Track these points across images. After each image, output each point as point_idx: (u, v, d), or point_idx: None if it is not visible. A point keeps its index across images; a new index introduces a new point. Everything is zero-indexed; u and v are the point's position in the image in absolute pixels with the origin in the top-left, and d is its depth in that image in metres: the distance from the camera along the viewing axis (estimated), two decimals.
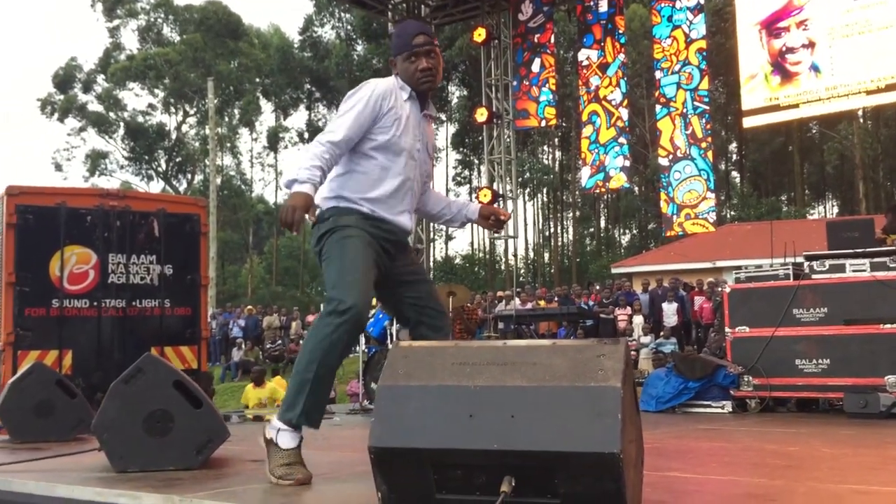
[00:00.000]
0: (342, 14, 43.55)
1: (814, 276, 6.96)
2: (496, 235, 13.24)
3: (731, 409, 7.10)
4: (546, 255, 46.04)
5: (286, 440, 2.87)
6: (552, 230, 46.24)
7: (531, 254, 46.74)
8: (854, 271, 6.81)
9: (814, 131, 40.15)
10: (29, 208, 8.17)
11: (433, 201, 3.46)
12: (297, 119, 49.46)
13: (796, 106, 8.87)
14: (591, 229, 46.23)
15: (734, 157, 45.44)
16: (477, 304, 14.76)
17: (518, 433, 2.11)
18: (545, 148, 45.14)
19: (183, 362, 8.64)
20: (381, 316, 9.12)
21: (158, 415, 3.31)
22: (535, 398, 2.15)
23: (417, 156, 3.19)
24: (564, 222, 46.74)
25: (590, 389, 2.12)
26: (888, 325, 6.42)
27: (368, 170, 3.10)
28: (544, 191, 45.73)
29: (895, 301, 6.41)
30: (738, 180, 44.71)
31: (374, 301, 10.00)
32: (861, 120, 35.74)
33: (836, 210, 44.14)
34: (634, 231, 44.96)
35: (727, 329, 7.33)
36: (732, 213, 37.88)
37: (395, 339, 8.56)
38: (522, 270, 42.52)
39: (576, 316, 13.53)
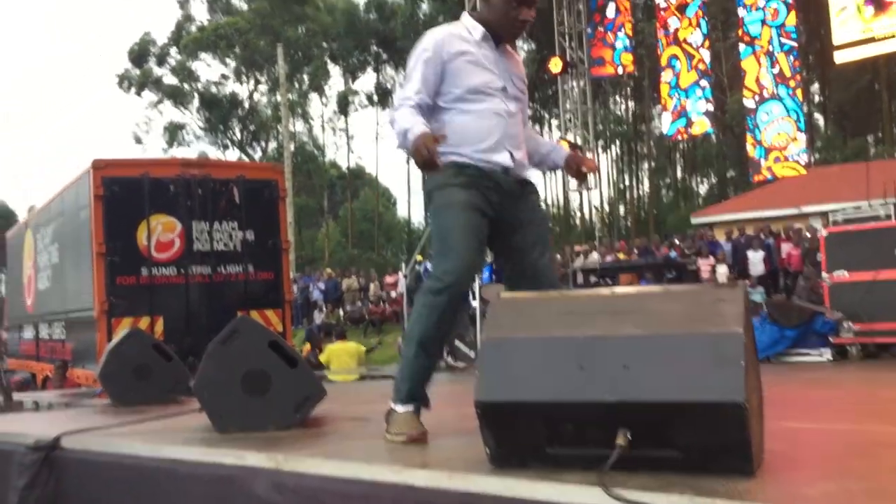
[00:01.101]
0: None
1: None
2: (572, 188, 12.98)
3: (830, 357, 6.85)
4: (622, 209, 45.28)
5: (401, 407, 2.90)
6: (627, 183, 45.39)
7: (606, 207, 46.04)
8: None
9: None
10: (114, 180, 8.34)
11: (529, 142, 3.24)
12: (366, 82, 49.51)
13: (893, 36, 8.34)
14: (668, 180, 45.16)
15: (816, 98, 43.58)
16: (557, 259, 14.62)
17: (633, 384, 2.01)
18: (617, 98, 44.13)
19: (268, 325, 8.74)
20: None
21: (256, 374, 3.31)
22: (649, 347, 2.03)
23: (504, 95, 3.02)
24: (639, 174, 45.81)
25: (709, 336, 2.00)
26: None
27: (456, 121, 2.97)
28: (617, 142, 44.81)
29: None
30: (821, 122, 42.90)
31: None
32: None
33: None
34: (713, 180, 43.74)
35: (824, 274, 7.04)
36: (817, 155, 36.42)
37: (477, 295, 8.51)
38: (598, 224, 41.98)
39: (661, 267, 13.25)
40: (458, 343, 8.75)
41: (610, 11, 10.65)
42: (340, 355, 10.67)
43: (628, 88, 42.15)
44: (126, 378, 4.91)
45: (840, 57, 8.85)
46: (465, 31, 3.02)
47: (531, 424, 2.12)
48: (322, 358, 10.94)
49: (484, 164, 2.95)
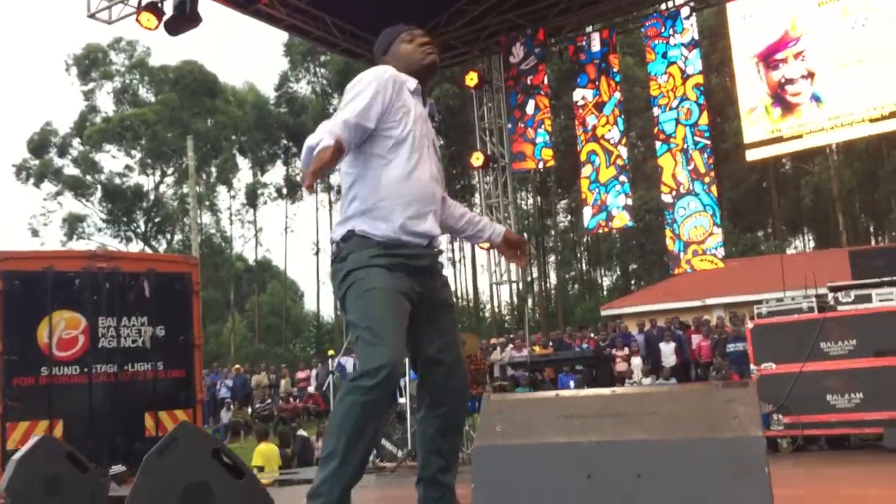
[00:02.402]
0: (317, 70, 43.73)
1: (839, 308, 6.75)
2: (495, 281, 13.00)
3: None
4: (530, 301, 45.81)
5: None
6: (535, 275, 46.11)
7: (515, 300, 46.49)
8: (882, 301, 6.59)
9: (787, 167, 40.58)
10: (15, 273, 7.88)
11: (456, 213, 3.07)
12: (275, 175, 49.05)
13: (799, 136, 8.79)
14: (573, 273, 46.11)
15: None
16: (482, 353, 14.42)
17: (648, 496, 1.83)
18: (523, 194, 45.20)
19: None
20: None
21: (197, 489, 2.97)
22: (663, 454, 1.87)
23: (430, 151, 2.85)
24: (546, 267, 46.66)
25: (728, 441, 1.85)
26: None
27: (387, 173, 2.72)
28: (525, 236, 45.69)
29: None
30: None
31: None
32: (835, 155, 36.18)
33: (812, 244, 44.44)
34: (617, 272, 44.95)
35: (752, 366, 7.08)
36: None
37: (406, 392, 8.21)
38: (508, 317, 42.26)
39: (591, 360, 13.43)
40: (384, 442, 8.38)
41: (529, 108, 10.91)
42: (270, 458, 10.11)
43: (532, 183, 43.30)
44: (35, 492, 4.40)
45: (751, 155, 9.27)
46: (405, 82, 2.84)
47: None
48: (258, 461, 10.33)
49: (409, 236, 2.72)
